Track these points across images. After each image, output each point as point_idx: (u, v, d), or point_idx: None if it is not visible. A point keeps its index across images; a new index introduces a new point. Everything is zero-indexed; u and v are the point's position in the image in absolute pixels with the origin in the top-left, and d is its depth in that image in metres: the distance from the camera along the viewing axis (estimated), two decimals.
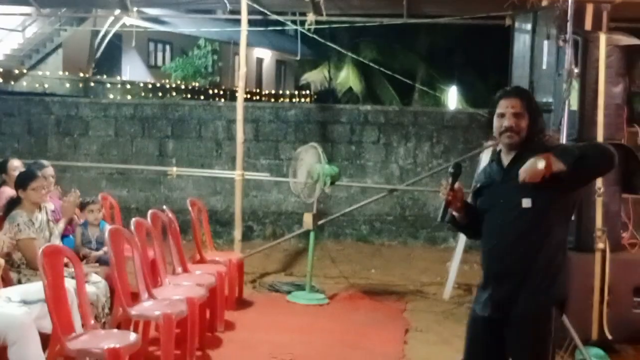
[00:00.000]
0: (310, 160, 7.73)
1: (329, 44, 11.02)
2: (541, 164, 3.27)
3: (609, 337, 5.89)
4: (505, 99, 3.53)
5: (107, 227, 5.64)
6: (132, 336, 4.62)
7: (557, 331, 3.49)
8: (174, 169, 9.62)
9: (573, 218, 6.08)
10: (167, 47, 27.44)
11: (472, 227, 3.71)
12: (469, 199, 3.73)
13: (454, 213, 3.62)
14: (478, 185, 3.66)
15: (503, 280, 3.51)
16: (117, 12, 10.11)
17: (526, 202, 3.42)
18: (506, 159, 3.56)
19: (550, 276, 3.46)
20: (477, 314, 3.65)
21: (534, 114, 3.51)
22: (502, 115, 3.51)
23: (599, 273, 5.94)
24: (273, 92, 28.54)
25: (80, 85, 18.56)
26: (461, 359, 3.79)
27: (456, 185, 3.56)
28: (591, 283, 5.94)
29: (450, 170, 3.57)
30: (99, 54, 19.31)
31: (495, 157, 3.65)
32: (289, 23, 10.07)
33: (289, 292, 7.81)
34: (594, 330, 5.95)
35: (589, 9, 6.41)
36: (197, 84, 23.44)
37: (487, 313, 3.58)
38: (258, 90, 27.25)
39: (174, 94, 21.71)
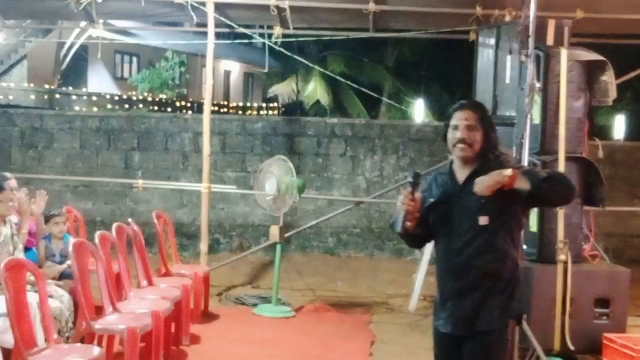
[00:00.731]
0: (279, 173, 7.74)
1: (296, 57, 11.05)
2: (507, 172, 3.30)
3: (571, 347, 5.96)
4: (460, 112, 3.54)
5: (72, 240, 5.59)
6: (96, 350, 4.59)
7: (513, 344, 3.58)
8: (140, 181, 9.56)
9: (536, 230, 6.21)
10: (134, 59, 27.33)
11: (419, 238, 3.71)
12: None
13: (408, 224, 3.56)
14: (432, 200, 3.61)
15: (462, 297, 3.51)
16: (83, 24, 10.04)
17: (483, 220, 3.43)
18: (461, 175, 3.55)
19: (509, 291, 3.49)
20: (440, 331, 3.65)
21: (488, 128, 3.53)
22: (455, 128, 3.52)
23: (561, 284, 6.02)
24: (241, 104, 28.51)
25: (46, 97, 18.39)
26: None
27: (416, 194, 3.52)
28: (553, 294, 6.02)
29: (410, 179, 3.54)
30: (64, 65, 19.16)
31: (448, 171, 3.62)
32: (256, 36, 10.09)
33: (255, 305, 7.80)
34: (557, 341, 6.02)
35: (551, 24, 6.52)
36: (164, 96, 23.34)
37: (449, 330, 3.58)
38: (226, 103, 27.22)
39: (140, 106, 21.59)
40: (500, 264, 3.47)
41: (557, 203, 3.59)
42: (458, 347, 3.56)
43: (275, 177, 7.72)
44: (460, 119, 3.52)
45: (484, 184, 3.35)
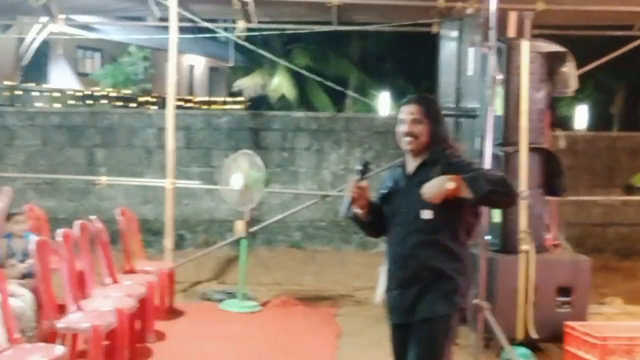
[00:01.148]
0: (244, 168, 7.72)
1: (260, 51, 11.01)
2: (450, 185, 3.32)
3: (534, 336, 6.04)
4: (406, 106, 3.63)
5: (34, 238, 5.52)
6: (59, 349, 4.54)
7: (453, 336, 3.55)
8: (104, 178, 9.47)
9: (499, 221, 6.28)
10: (97, 55, 27.02)
11: (373, 227, 3.75)
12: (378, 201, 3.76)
13: (357, 210, 3.62)
14: (384, 191, 3.69)
15: (404, 287, 3.55)
16: (44, 19, 9.89)
17: (427, 214, 3.47)
18: (411, 166, 3.62)
19: (451, 287, 3.51)
20: (390, 322, 3.72)
21: (434, 121, 3.59)
22: (402, 121, 3.61)
23: (523, 274, 6.10)
24: (205, 99, 28.33)
25: (6, 93, 18.09)
26: None
27: (363, 183, 3.58)
28: (516, 284, 6.09)
29: (358, 167, 3.61)
30: (25, 61, 18.85)
31: (402, 163, 3.70)
32: (220, 30, 10.04)
33: (221, 301, 7.77)
34: (519, 330, 6.10)
35: (512, 16, 6.58)
36: (127, 92, 23.10)
37: (396, 320, 3.65)
38: (190, 98, 27.02)
39: (103, 101, 21.34)
40: (440, 258, 3.49)
41: (501, 207, 3.68)
42: (407, 337, 3.59)
43: (241, 171, 7.69)
44: (406, 112, 3.61)
45: (430, 192, 3.37)
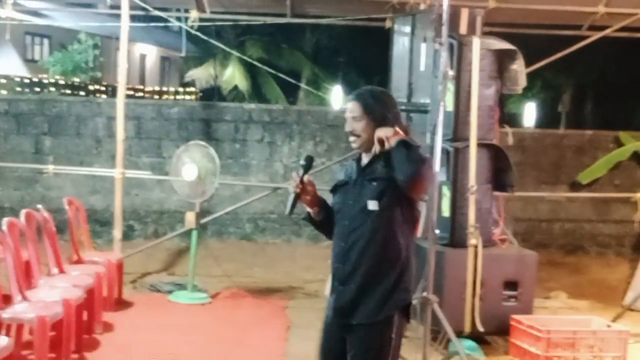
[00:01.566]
0: (198, 159, 7.66)
1: (213, 41, 10.93)
2: (391, 132, 3.34)
3: (481, 329, 6.14)
4: (349, 103, 3.55)
5: None
6: (4, 340, 4.47)
7: (399, 338, 3.43)
8: (51, 167, 9.31)
9: (448, 215, 6.36)
10: (46, 41, 26.50)
11: (328, 227, 3.64)
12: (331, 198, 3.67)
13: (308, 209, 3.55)
14: (335, 184, 3.62)
15: (345, 284, 3.46)
16: None
17: (372, 205, 3.38)
18: (364, 160, 3.54)
19: (391, 281, 3.40)
20: (327, 319, 3.60)
21: (375, 117, 3.45)
22: (346, 120, 3.53)
23: (471, 268, 6.19)
24: (157, 88, 28.03)
25: None
26: None
27: (305, 178, 3.51)
28: (464, 277, 6.18)
29: (301, 162, 3.54)
30: None
31: (358, 156, 3.60)
32: (172, 19, 9.93)
33: (170, 292, 7.72)
34: (467, 323, 6.19)
35: (464, 13, 6.65)
36: (77, 80, 22.71)
37: (330, 319, 3.56)
38: (141, 87, 26.70)
39: (52, 89, 20.95)
40: (381, 252, 3.40)
41: (411, 176, 3.42)
42: (338, 340, 3.52)
43: (194, 162, 7.63)
44: (348, 111, 3.53)
45: (382, 132, 3.36)
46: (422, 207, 5.79)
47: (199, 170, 7.59)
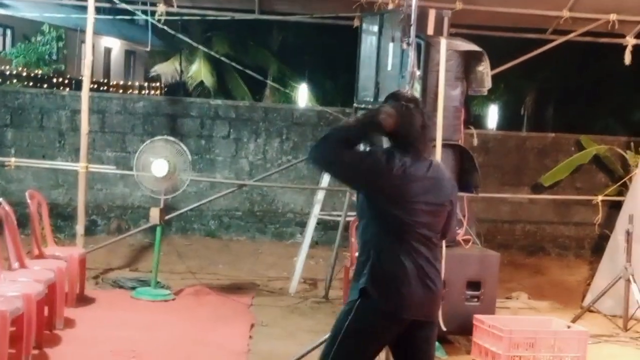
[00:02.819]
0: (167, 154, 7.58)
1: (180, 36, 10.85)
2: None
3: (444, 328, 6.16)
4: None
5: None
6: None
7: (359, 324, 3.57)
8: (12, 159, 9.17)
9: None
10: (8, 32, 26.07)
11: None
12: None
13: None
14: None
15: None
16: None
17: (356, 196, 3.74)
18: None
19: (359, 270, 3.64)
20: None
21: None
22: None
23: None
24: (122, 82, 27.75)
25: None
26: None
27: None
28: None
29: None
30: None
31: None
32: (138, 12, 9.83)
33: (133, 288, 7.65)
34: None
35: (431, 14, 6.69)
36: (40, 72, 22.38)
37: None
38: (106, 81, 26.41)
39: (14, 81, 20.61)
40: (362, 239, 3.69)
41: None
42: None
43: (164, 158, 7.54)
44: None
45: None
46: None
47: (169, 166, 7.51)
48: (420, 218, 3.58)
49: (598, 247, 10.22)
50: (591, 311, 7.71)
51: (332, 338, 3.62)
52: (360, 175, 3.59)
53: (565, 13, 8.64)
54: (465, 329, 6.27)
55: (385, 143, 3.73)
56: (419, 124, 3.65)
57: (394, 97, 3.81)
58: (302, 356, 5.67)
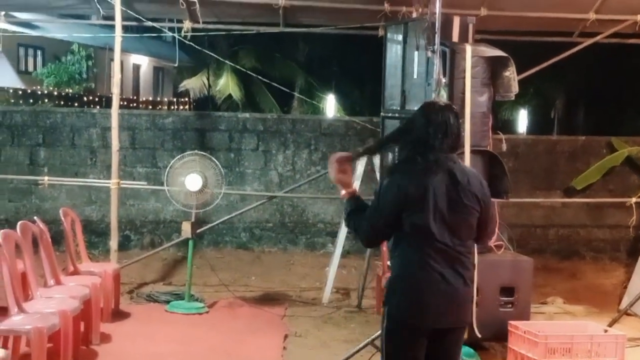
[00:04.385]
0: (200, 168, 7.64)
1: (207, 51, 10.96)
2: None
3: (478, 335, 6.14)
4: None
5: None
6: (1, 352, 4.47)
7: (384, 328, 3.70)
8: (46, 178, 9.30)
9: None
10: (39, 53, 26.51)
11: None
12: None
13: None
14: None
15: None
16: None
17: None
18: None
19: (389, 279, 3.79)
20: None
21: None
22: None
23: None
24: (150, 99, 28.03)
25: None
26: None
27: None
28: None
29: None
30: None
31: None
32: (165, 30, 9.95)
33: (167, 302, 7.71)
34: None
35: (456, 21, 6.66)
36: (70, 91, 22.71)
37: None
38: (135, 98, 26.71)
39: (46, 100, 20.95)
40: (390, 253, 3.83)
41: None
42: None
43: (197, 173, 7.60)
44: None
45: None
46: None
47: (203, 179, 7.57)
48: (440, 225, 3.56)
49: (633, 249, 10.10)
50: (628, 314, 7.61)
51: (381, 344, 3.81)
52: (389, 217, 3.63)
53: (592, 15, 8.57)
54: (500, 335, 6.22)
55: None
56: (442, 129, 3.67)
57: (424, 107, 3.90)
58: None
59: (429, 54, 6.07)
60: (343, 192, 3.84)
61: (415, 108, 6.83)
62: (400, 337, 3.65)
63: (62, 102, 20.97)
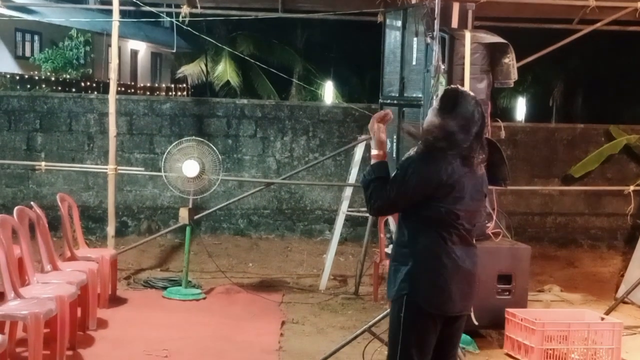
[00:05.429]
0: (198, 154, 7.61)
1: (205, 37, 10.90)
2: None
3: (475, 322, 6.14)
4: None
5: None
6: None
7: (403, 320, 3.64)
8: (43, 163, 9.28)
9: None
10: (36, 38, 26.38)
11: None
12: None
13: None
14: None
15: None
16: None
17: None
18: None
19: (401, 269, 3.69)
20: None
21: None
22: None
23: None
24: (148, 85, 27.95)
25: None
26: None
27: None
28: None
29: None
30: None
31: None
32: (163, 15, 9.89)
33: (164, 288, 7.71)
34: None
35: (455, 7, 6.64)
36: (68, 76, 22.62)
37: None
38: (133, 83, 26.63)
39: (43, 86, 20.86)
40: (399, 241, 3.76)
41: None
42: None
43: (194, 159, 7.57)
44: None
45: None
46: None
47: (200, 166, 7.55)
48: (463, 211, 3.64)
49: (631, 238, 10.11)
50: (625, 302, 7.62)
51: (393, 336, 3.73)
52: (414, 198, 3.62)
53: (591, 2, 8.51)
54: (497, 322, 6.23)
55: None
56: (479, 123, 3.80)
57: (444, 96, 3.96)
58: (334, 353, 5.67)
59: (428, 40, 6.05)
60: (375, 152, 3.76)
61: (414, 94, 6.89)
62: (421, 326, 3.65)
63: (59, 88, 20.88)
